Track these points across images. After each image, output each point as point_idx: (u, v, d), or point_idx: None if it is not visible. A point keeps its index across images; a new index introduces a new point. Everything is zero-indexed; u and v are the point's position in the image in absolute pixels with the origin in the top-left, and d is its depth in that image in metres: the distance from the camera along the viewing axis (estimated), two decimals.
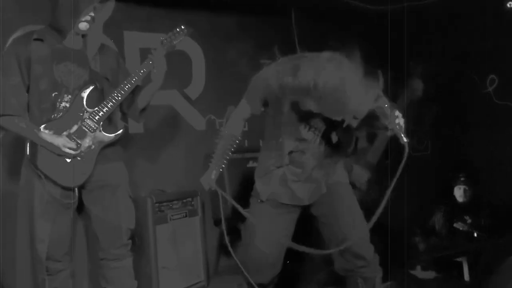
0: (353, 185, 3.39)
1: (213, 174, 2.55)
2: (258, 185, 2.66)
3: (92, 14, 2.62)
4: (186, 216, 3.55)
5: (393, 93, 4.11)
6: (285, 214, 2.64)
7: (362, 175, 3.42)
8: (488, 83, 4.56)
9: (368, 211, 3.36)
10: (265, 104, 2.61)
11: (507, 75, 4.39)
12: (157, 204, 3.35)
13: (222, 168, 2.58)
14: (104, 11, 2.79)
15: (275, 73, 2.44)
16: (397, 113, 2.43)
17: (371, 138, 3.58)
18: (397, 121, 2.42)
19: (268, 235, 2.56)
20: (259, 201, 2.63)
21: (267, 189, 2.62)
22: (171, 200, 3.46)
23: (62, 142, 2.54)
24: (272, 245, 2.59)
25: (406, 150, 2.43)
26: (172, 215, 3.44)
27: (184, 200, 3.56)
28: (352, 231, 2.52)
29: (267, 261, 2.63)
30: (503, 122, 4.43)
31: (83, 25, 2.61)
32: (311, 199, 2.62)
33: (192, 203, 3.62)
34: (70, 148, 2.55)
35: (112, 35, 3.61)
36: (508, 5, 3.93)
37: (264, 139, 2.77)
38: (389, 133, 2.46)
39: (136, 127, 3.72)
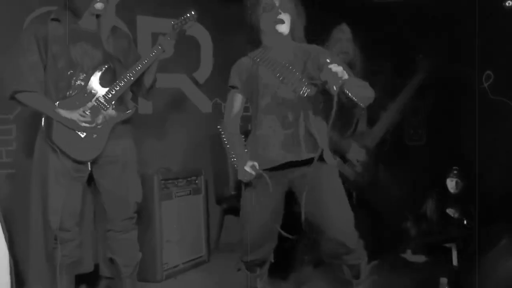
0: (349, 162, 3.54)
1: (251, 163, 2.50)
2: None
3: None
4: (190, 193, 3.71)
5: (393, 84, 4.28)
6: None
7: (360, 152, 3.52)
8: (484, 78, 4.67)
9: (359, 192, 3.54)
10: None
11: (502, 71, 4.50)
12: (163, 181, 3.51)
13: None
14: None
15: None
16: (329, 61, 2.32)
17: (372, 122, 3.68)
18: (333, 69, 2.28)
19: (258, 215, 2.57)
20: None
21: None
22: (176, 178, 3.62)
23: (78, 116, 2.69)
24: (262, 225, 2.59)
25: (335, 100, 2.29)
26: (177, 192, 3.61)
27: (189, 179, 3.72)
28: (337, 220, 2.48)
29: (260, 239, 2.63)
30: (497, 117, 4.55)
31: (99, 5, 2.74)
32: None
33: (196, 181, 3.78)
34: (85, 122, 2.70)
35: (125, 19, 3.77)
36: (507, 3, 4.04)
37: None
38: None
39: (145, 108, 3.90)
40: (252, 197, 2.58)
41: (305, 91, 2.57)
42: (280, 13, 2.55)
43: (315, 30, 4.25)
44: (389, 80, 4.92)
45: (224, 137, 2.70)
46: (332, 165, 2.61)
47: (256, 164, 2.49)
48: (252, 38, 2.70)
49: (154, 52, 2.88)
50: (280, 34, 2.60)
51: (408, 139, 5.11)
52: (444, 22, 4.70)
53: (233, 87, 2.71)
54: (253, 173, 2.48)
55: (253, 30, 2.67)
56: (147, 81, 2.98)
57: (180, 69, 4.01)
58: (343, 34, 3.61)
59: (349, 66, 3.52)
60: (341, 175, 3.37)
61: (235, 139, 2.65)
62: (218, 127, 2.76)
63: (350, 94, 2.39)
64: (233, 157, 2.63)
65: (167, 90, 4.01)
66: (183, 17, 2.94)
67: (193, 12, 2.95)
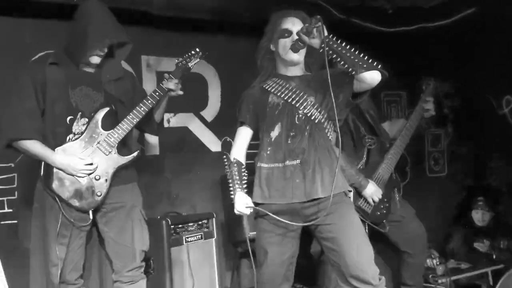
0: (365, 199, 3.37)
1: (245, 199, 2.47)
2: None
3: (105, 50, 2.68)
4: (201, 238, 3.54)
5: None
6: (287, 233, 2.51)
7: (377, 192, 3.37)
8: (504, 104, 4.53)
9: (375, 227, 3.36)
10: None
11: None
12: (172, 227, 3.35)
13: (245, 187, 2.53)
14: (123, 51, 2.84)
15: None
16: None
17: (383, 151, 3.53)
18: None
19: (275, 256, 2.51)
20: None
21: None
22: (187, 222, 3.47)
23: (78, 161, 2.58)
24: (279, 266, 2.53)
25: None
26: (187, 237, 3.44)
27: (200, 222, 3.55)
28: (358, 255, 2.40)
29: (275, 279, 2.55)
30: None
31: (94, 59, 2.68)
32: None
33: (208, 225, 3.61)
34: (87, 164, 2.58)
35: (129, 58, 3.69)
36: None
37: None
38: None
39: (152, 149, 3.77)
40: (262, 234, 2.54)
41: (318, 118, 2.48)
42: (297, 40, 2.45)
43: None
44: (404, 109, 4.80)
45: (225, 166, 2.59)
46: (347, 195, 2.54)
47: (250, 203, 2.44)
48: (264, 66, 2.66)
49: (158, 92, 2.78)
50: (295, 61, 2.55)
51: (429, 170, 4.93)
52: (459, 47, 4.59)
53: (241, 122, 2.70)
54: (247, 213, 2.44)
55: (266, 57, 2.65)
56: (158, 116, 2.92)
57: (187, 108, 3.90)
58: None
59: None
60: (358, 208, 3.23)
61: (235, 169, 2.56)
62: (224, 156, 2.63)
63: (336, 55, 2.34)
64: (231, 190, 2.51)
65: (175, 130, 3.89)
66: (187, 54, 2.87)
67: (197, 49, 2.87)
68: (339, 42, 2.36)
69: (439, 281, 3.86)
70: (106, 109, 2.70)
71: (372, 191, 3.31)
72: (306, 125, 2.48)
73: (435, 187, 4.83)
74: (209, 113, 4.11)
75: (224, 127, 4.12)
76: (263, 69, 2.67)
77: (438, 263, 3.97)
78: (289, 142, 2.48)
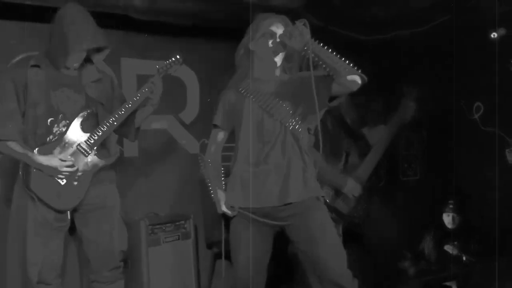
0: (343, 196, 3.44)
1: (221, 199, 2.55)
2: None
3: (85, 54, 2.72)
4: (178, 238, 3.60)
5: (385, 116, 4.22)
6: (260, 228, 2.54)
7: (356, 187, 3.43)
8: (475, 110, 4.66)
9: (353, 227, 3.44)
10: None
11: (492, 102, 4.49)
12: (150, 227, 3.40)
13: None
14: (101, 55, 2.87)
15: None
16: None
17: (363, 154, 3.62)
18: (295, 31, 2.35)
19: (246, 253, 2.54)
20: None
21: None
22: (164, 223, 3.52)
23: (58, 162, 2.59)
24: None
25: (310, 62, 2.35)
26: (165, 238, 3.49)
27: (177, 223, 3.61)
28: (331, 259, 2.44)
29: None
30: (488, 148, 4.51)
31: (74, 63, 2.71)
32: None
33: (185, 226, 3.66)
34: (67, 167, 2.60)
35: (109, 61, 3.72)
36: (492, 35, 4.05)
37: None
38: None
39: (131, 150, 3.81)
40: (238, 234, 2.56)
41: (292, 124, 2.51)
42: (279, 43, 2.48)
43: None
44: (381, 114, 4.89)
45: (201, 167, 2.68)
46: (320, 200, 2.56)
47: (234, 206, 2.48)
48: (241, 66, 2.67)
49: (138, 96, 2.81)
50: (273, 63, 2.56)
51: (402, 174, 5.04)
52: (433, 54, 4.71)
53: (215, 125, 2.72)
54: (230, 213, 2.49)
55: (245, 57, 2.65)
56: (138, 121, 2.93)
57: (165, 110, 3.93)
58: None
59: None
60: (335, 209, 3.31)
61: (212, 169, 2.62)
62: (199, 158, 2.69)
63: (318, 59, 2.36)
64: (210, 189, 2.59)
65: (153, 132, 3.92)
66: (168, 61, 2.88)
67: (178, 56, 2.89)
68: (321, 45, 2.39)
69: (411, 283, 3.96)
70: (87, 111, 2.73)
71: (352, 186, 3.38)
72: (281, 130, 2.50)
73: (408, 190, 4.93)
74: (188, 115, 4.15)
75: (202, 130, 4.15)
76: (240, 68, 2.68)
77: (410, 264, 4.07)
78: (263, 147, 2.50)
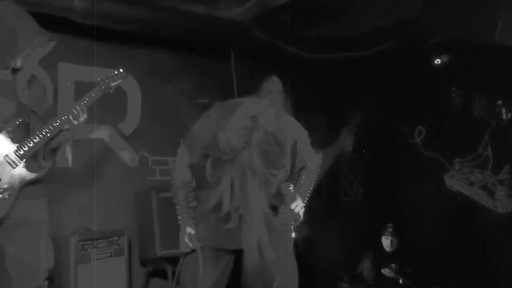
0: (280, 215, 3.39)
1: (189, 230, 2.50)
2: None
3: (30, 51, 2.54)
4: (111, 255, 3.42)
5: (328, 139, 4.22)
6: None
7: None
8: (416, 134, 4.74)
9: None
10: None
11: (433, 127, 4.59)
12: (81, 243, 3.22)
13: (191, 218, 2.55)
14: (45, 48, 2.69)
15: (210, 127, 2.48)
16: (298, 201, 2.45)
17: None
18: (295, 208, 2.43)
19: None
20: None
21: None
22: (96, 238, 3.34)
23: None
24: None
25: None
26: (96, 254, 3.31)
27: (110, 239, 3.43)
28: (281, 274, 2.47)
29: None
30: (429, 172, 4.60)
31: (18, 62, 2.53)
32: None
33: (119, 242, 3.49)
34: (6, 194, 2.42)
35: (45, 65, 3.53)
36: (435, 61, 4.14)
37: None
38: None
39: (64, 161, 3.60)
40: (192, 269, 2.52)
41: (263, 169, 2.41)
42: None
43: (246, 84, 4.23)
44: (324, 133, 4.90)
45: (173, 194, 2.60)
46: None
47: (193, 234, 2.47)
48: None
49: (77, 111, 2.61)
50: None
51: (343, 194, 5.05)
52: (377, 77, 4.77)
53: (189, 149, 2.63)
54: (191, 244, 2.46)
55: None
56: (54, 143, 2.67)
57: (104, 119, 3.76)
58: (274, 85, 3.54)
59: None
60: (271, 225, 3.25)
61: (181, 192, 2.56)
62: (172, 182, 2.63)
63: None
64: (178, 217, 2.55)
65: (90, 142, 3.74)
66: (111, 74, 2.72)
67: (121, 70, 2.74)
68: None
69: None
70: (18, 120, 2.54)
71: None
72: (249, 175, 2.41)
73: (348, 211, 4.95)
74: (128, 126, 3.99)
75: (142, 142, 4.02)
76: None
77: (347, 287, 4.06)
78: (233, 191, 2.43)
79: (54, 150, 2.74)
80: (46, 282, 2.64)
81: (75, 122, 2.61)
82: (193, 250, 2.53)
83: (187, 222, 2.53)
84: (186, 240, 2.49)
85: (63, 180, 3.55)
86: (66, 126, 2.59)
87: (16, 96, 2.56)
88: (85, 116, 2.60)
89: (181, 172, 2.63)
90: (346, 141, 3.58)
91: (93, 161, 3.77)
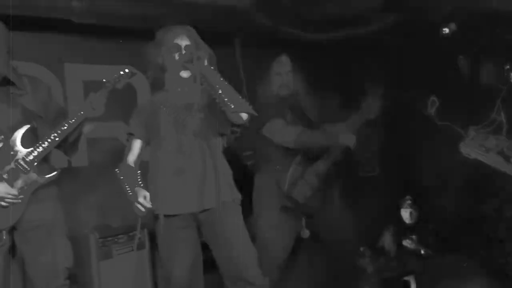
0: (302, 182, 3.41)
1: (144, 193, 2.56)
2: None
3: None
4: (132, 249, 3.49)
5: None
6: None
7: (305, 192, 3.42)
8: (430, 104, 4.68)
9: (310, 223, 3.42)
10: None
11: (446, 96, 4.52)
12: (101, 240, 3.29)
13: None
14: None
15: None
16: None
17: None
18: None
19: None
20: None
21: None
22: (116, 234, 3.41)
23: (4, 189, 2.48)
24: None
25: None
26: (117, 250, 3.38)
27: (130, 233, 3.50)
28: (242, 260, 2.58)
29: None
30: (445, 142, 4.55)
31: None
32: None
33: (139, 236, 3.55)
34: (13, 195, 2.50)
35: (52, 67, 3.58)
36: (443, 31, 4.06)
37: None
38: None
39: (80, 160, 3.67)
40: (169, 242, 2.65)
41: (205, 133, 2.60)
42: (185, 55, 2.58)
43: (252, 67, 4.21)
44: (337, 111, 4.88)
45: (119, 175, 2.72)
46: (235, 203, 2.68)
47: (147, 195, 2.52)
48: (156, 79, 2.77)
49: (83, 112, 2.67)
50: (183, 77, 2.64)
51: (361, 170, 5.03)
52: (388, 51, 4.71)
53: (131, 134, 2.79)
54: (147, 205, 2.51)
55: (157, 70, 2.74)
56: (71, 136, 2.77)
57: (115, 116, 3.81)
58: (282, 66, 3.54)
59: (291, 99, 3.49)
60: (290, 198, 3.28)
61: (128, 171, 2.69)
62: (116, 170, 2.75)
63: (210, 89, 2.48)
64: (128, 190, 2.62)
65: (103, 140, 3.80)
66: (117, 75, 2.75)
67: (127, 70, 2.78)
68: (216, 76, 2.49)
69: (370, 280, 3.96)
70: (26, 127, 2.60)
71: (345, 135, 3.41)
72: (195, 140, 2.60)
73: (366, 187, 4.93)
74: None
75: None
76: (155, 83, 2.78)
77: (369, 262, 4.07)
78: (179, 157, 2.58)
79: (74, 144, 2.83)
80: (67, 281, 2.73)
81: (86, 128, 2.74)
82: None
83: (139, 190, 2.57)
84: (141, 200, 2.52)
85: (79, 179, 3.62)
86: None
87: (19, 102, 2.62)
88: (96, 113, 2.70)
89: (128, 159, 2.77)
90: (371, 108, 3.55)
91: (108, 158, 3.82)
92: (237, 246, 2.60)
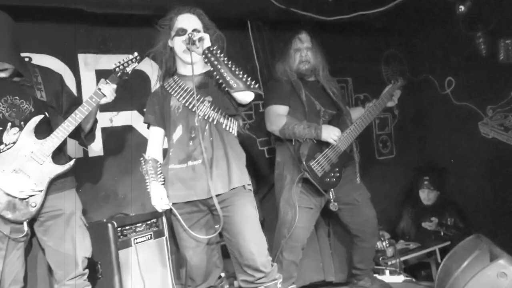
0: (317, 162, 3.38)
1: (154, 190, 2.64)
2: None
3: None
4: (151, 238, 3.48)
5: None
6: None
7: (334, 129, 3.37)
8: (446, 84, 4.61)
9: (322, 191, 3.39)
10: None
11: (462, 76, 4.45)
12: (119, 229, 3.28)
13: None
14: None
15: None
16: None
17: (344, 127, 3.54)
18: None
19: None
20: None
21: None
22: (134, 223, 3.39)
23: (22, 181, 2.49)
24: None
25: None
26: (135, 239, 3.37)
27: (148, 222, 3.48)
28: (250, 247, 2.57)
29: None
30: (463, 122, 4.49)
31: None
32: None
33: (157, 224, 3.54)
34: (31, 187, 2.52)
35: (65, 57, 3.57)
36: (459, 8, 3.97)
37: None
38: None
39: (96, 150, 3.68)
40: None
41: (215, 117, 2.60)
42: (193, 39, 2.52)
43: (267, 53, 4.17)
44: (351, 94, 4.83)
45: (141, 165, 2.74)
46: (246, 189, 2.66)
47: (164, 197, 2.60)
48: (167, 64, 2.74)
49: (94, 99, 2.67)
50: (188, 62, 2.60)
51: (378, 153, 4.99)
52: (400, 32, 4.64)
53: (147, 123, 2.80)
54: (162, 207, 2.60)
55: (167, 55, 2.72)
56: (85, 125, 2.78)
57: (130, 105, 3.80)
58: (301, 43, 3.52)
59: (311, 74, 3.46)
60: (310, 168, 3.25)
61: (149, 165, 2.68)
62: (141, 158, 2.76)
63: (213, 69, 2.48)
64: (147, 184, 2.68)
65: (118, 129, 3.79)
66: (124, 59, 2.75)
67: (136, 54, 2.77)
68: (220, 57, 2.47)
69: (389, 262, 3.94)
70: (40, 117, 2.61)
71: (329, 130, 3.33)
72: (205, 126, 2.59)
73: (384, 169, 4.89)
74: None
75: None
76: (164, 66, 2.75)
77: (387, 245, 4.04)
78: (190, 143, 2.58)
79: (90, 132, 2.87)
80: (86, 271, 2.76)
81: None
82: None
83: (157, 187, 2.64)
84: (157, 203, 2.62)
85: (96, 169, 3.63)
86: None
87: (31, 94, 2.62)
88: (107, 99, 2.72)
89: (150, 150, 2.78)
90: (393, 96, 3.53)
91: (123, 147, 3.82)
92: (247, 233, 2.58)
